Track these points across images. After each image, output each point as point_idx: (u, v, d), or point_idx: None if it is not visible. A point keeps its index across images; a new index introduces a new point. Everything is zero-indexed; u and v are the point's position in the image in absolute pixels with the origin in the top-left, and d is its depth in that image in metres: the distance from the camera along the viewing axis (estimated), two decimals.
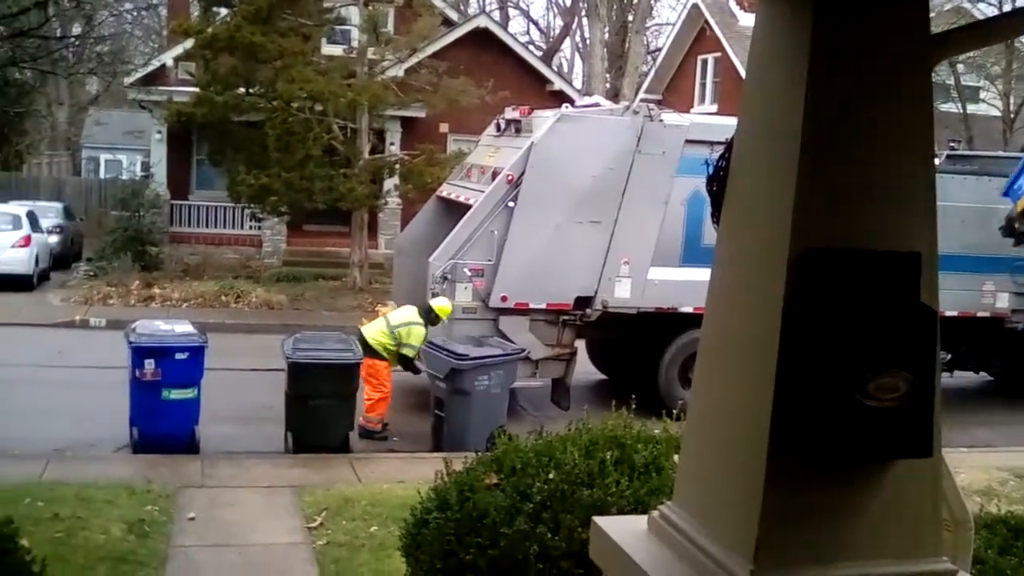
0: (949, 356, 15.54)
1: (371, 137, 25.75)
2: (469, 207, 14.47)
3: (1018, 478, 11.83)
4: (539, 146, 14.16)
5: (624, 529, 3.49)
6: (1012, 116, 33.83)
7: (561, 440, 6.58)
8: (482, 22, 32.10)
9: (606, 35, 43.06)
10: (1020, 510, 7.13)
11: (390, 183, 25.95)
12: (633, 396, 8.84)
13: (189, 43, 25.41)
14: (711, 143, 11.63)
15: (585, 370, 16.06)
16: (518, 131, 15.40)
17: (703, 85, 35.07)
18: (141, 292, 23.21)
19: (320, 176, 23.39)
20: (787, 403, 2.73)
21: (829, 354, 2.67)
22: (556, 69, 41.13)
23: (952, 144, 22.47)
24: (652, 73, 38.18)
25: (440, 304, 13.26)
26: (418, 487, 6.88)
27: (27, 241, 24.71)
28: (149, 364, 11.42)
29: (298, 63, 23.19)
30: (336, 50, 26.12)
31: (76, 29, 40.97)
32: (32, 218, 26.03)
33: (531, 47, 42.94)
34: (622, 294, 14.43)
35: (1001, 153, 24.31)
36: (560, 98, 26.74)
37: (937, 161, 14.38)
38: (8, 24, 27.56)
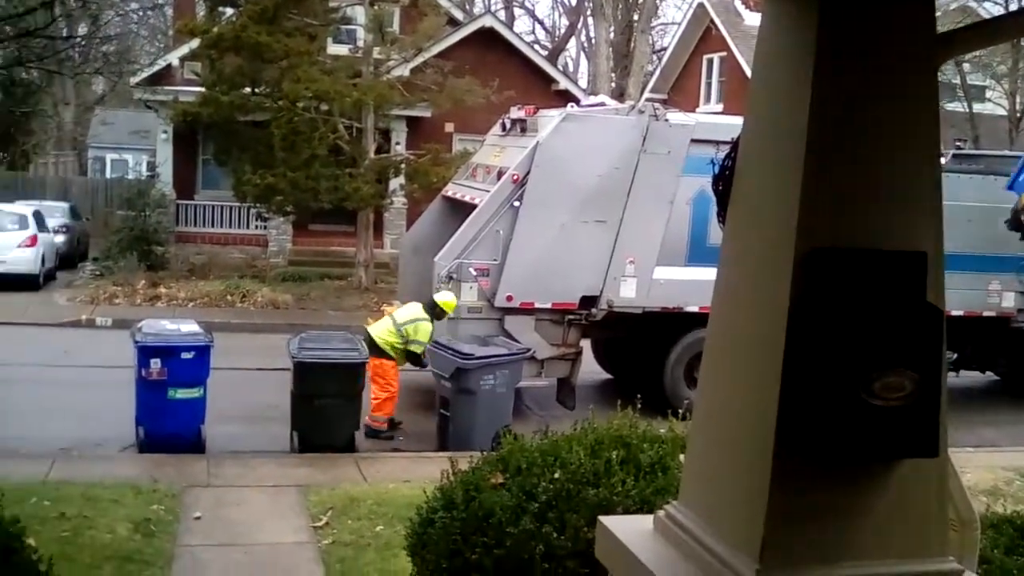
0: (955, 355, 15.52)
1: (377, 137, 25.76)
2: (474, 207, 14.47)
3: None
4: (544, 145, 14.16)
5: (630, 529, 3.49)
6: (1018, 115, 33.78)
7: (567, 440, 6.58)
8: (487, 22, 32.12)
9: (611, 34, 43.03)
10: None
11: (396, 183, 25.95)
12: (639, 396, 8.83)
13: (195, 43, 25.44)
14: (717, 142, 11.61)
15: (590, 370, 16.06)
16: (523, 131, 15.40)
17: (708, 84, 35.06)
18: (147, 292, 23.24)
19: (326, 176, 23.40)
20: (793, 403, 2.73)
21: (835, 353, 2.66)
22: (561, 69, 41.12)
23: (958, 143, 22.46)
24: (657, 72, 38.19)
25: (444, 298, 13.28)
26: (424, 486, 6.88)
27: (33, 241, 24.75)
28: (155, 363, 11.44)
29: (304, 63, 23.21)
30: (342, 50, 26.14)
31: (82, 29, 41.07)
32: (38, 218, 26.08)
33: (536, 47, 42.90)
34: (627, 293, 14.43)
35: (1007, 152, 24.27)
36: (565, 97, 26.74)
37: (943, 160, 14.43)
38: (14, 24, 27.56)
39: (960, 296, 14.76)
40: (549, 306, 14.29)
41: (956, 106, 31.84)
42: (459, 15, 32.85)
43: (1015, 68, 33.87)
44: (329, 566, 8.38)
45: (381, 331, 12.98)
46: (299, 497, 10.14)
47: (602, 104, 16.37)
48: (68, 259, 28.49)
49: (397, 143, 28.84)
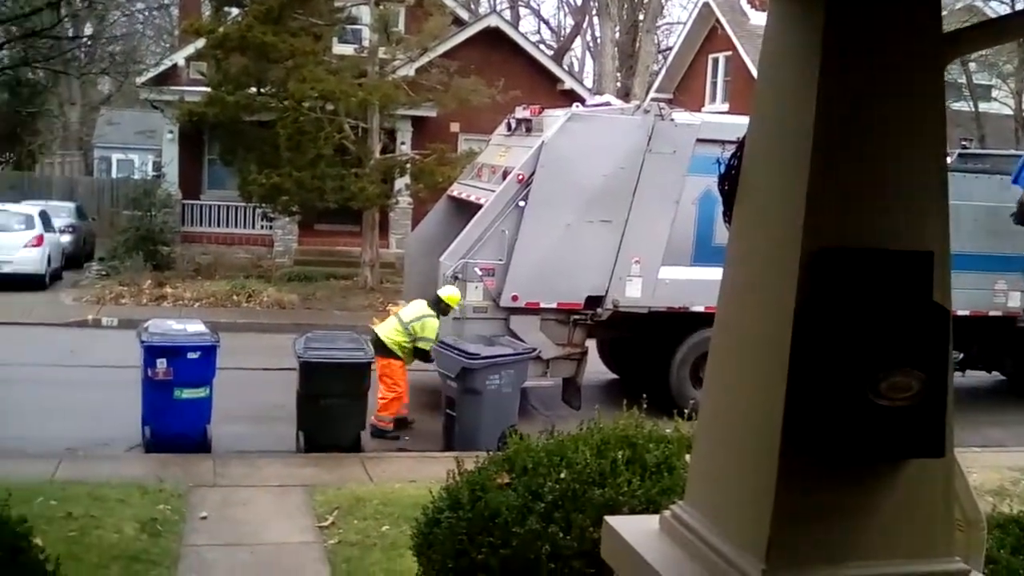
0: (961, 355, 15.51)
1: (382, 136, 25.77)
2: (480, 207, 14.47)
3: None
4: (550, 145, 14.15)
5: (636, 529, 3.49)
6: None
7: (573, 440, 6.58)
8: (493, 21, 32.12)
9: (617, 34, 43.02)
10: None
11: (401, 182, 25.96)
12: (644, 395, 8.83)
13: (201, 43, 25.45)
14: (722, 142, 11.63)
15: (596, 369, 16.05)
16: (529, 130, 15.40)
17: (714, 84, 35.05)
18: (153, 291, 23.28)
19: (331, 175, 23.42)
20: (799, 402, 2.73)
21: (841, 353, 2.66)
22: (567, 68, 41.15)
23: (964, 143, 22.44)
24: (663, 72, 38.17)
25: (448, 293, 13.30)
26: (430, 486, 6.89)
27: (39, 241, 24.80)
28: (161, 363, 11.45)
29: (309, 63, 23.23)
30: (347, 50, 26.16)
31: (88, 29, 41.16)
32: (44, 218, 26.13)
33: (542, 46, 42.92)
34: (633, 293, 14.42)
35: (1013, 151, 24.22)
36: (571, 97, 26.73)
37: (949, 160, 14.39)
38: (21, 24, 27.65)
39: (966, 296, 14.73)
40: (555, 306, 14.28)
41: (962, 105, 31.81)
42: (464, 15, 32.86)
43: (1021, 67, 33.83)
44: (335, 566, 8.38)
45: (388, 331, 13.00)
46: (305, 497, 10.15)
47: (607, 104, 16.38)
48: (74, 259, 28.54)
49: (402, 143, 28.85)
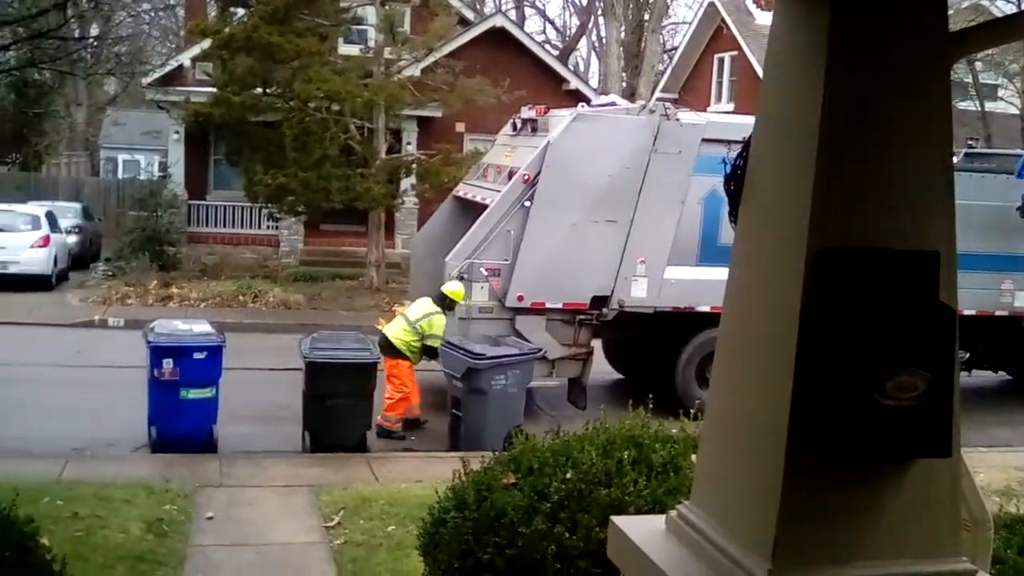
0: (967, 355, 15.47)
1: (388, 137, 25.78)
2: (485, 207, 14.46)
3: None
4: (555, 145, 14.15)
5: (642, 529, 3.50)
6: None
7: (578, 440, 6.58)
8: (498, 21, 32.11)
9: (622, 34, 43.03)
10: None
11: (407, 183, 25.97)
12: (650, 396, 8.81)
13: (206, 43, 25.51)
14: (728, 142, 11.56)
15: (602, 370, 16.05)
16: (534, 130, 15.39)
17: (720, 84, 35.00)
18: (159, 292, 23.30)
19: (337, 176, 23.43)
20: (805, 402, 2.73)
21: (847, 353, 2.66)
22: (572, 68, 41.13)
23: (970, 142, 22.37)
24: (668, 72, 38.13)
25: (451, 288, 13.31)
26: (436, 486, 6.88)
27: (46, 241, 24.83)
28: (167, 364, 11.46)
29: (315, 63, 23.24)
30: (353, 50, 26.15)
31: (94, 30, 41.24)
32: (51, 218, 26.16)
33: (547, 46, 42.91)
34: (639, 293, 14.41)
35: (1019, 151, 24.16)
36: (576, 97, 26.72)
37: (955, 159, 14.37)
38: (27, 25, 27.67)
39: (972, 295, 14.70)
40: (560, 306, 14.28)
41: (968, 105, 31.73)
42: (470, 15, 32.85)
43: None
44: (341, 566, 8.38)
45: (396, 331, 13.02)
46: (311, 497, 10.15)
47: (613, 104, 16.37)
48: (80, 259, 28.58)
49: (408, 143, 28.86)
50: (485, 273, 13.97)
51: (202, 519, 9.31)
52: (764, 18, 30.98)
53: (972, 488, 3.29)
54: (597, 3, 47.43)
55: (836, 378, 2.66)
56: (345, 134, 23.92)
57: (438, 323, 12.98)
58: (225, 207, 29.93)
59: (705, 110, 26.47)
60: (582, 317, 14.40)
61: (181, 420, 11.53)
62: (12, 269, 23.90)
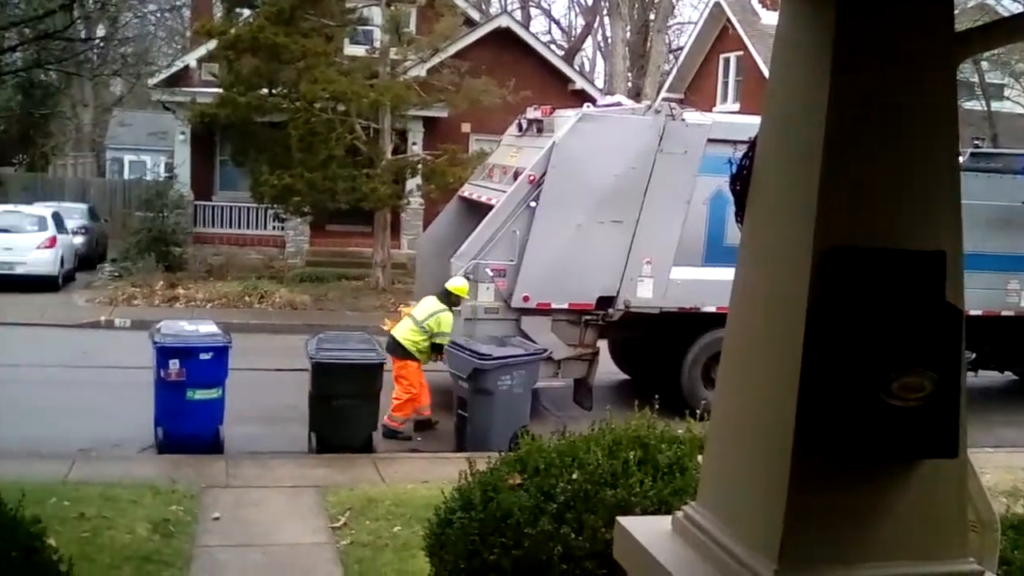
0: (974, 355, 15.45)
1: (393, 137, 25.79)
2: (491, 207, 14.46)
3: None
4: (561, 146, 14.14)
5: (648, 529, 3.49)
6: None
7: (584, 440, 6.57)
8: (504, 22, 32.12)
9: (628, 34, 42.98)
10: None
11: (412, 183, 25.98)
12: (656, 396, 8.82)
13: (212, 44, 25.52)
14: (733, 142, 11.62)
15: (607, 370, 16.04)
16: (540, 131, 15.39)
17: (725, 84, 34.97)
18: (165, 293, 23.33)
19: (343, 176, 23.45)
20: (812, 403, 2.72)
21: (853, 353, 2.66)
22: (578, 68, 41.12)
23: (976, 142, 22.37)
24: (674, 72, 38.11)
25: (455, 284, 13.32)
26: (442, 487, 6.88)
27: (52, 242, 24.89)
28: (174, 364, 11.47)
29: (321, 63, 23.26)
30: (358, 50, 26.19)
31: (100, 31, 41.33)
32: (57, 219, 26.23)
33: (553, 47, 42.93)
34: (644, 294, 14.40)
35: None
36: (582, 97, 26.71)
37: (961, 159, 14.34)
38: (34, 27, 27.77)
39: (979, 295, 14.67)
40: (566, 306, 14.28)
41: (974, 104, 31.69)
42: (475, 15, 32.88)
43: None
44: (347, 567, 8.39)
45: (405, 332, 13.03)
46: (317, 498, 10.16)
47: (618, 104, 16.36)
48: (87, 260, 28.63)
49: (414, 143, 28.89)
50: (491, 273, 13.97)
51: (208, 520, 9.32)
52: (770, 18, 30.96)
53: (979, 489, 3.29)
54: (603, 3, 47.41)
55: (842, 378, 2.66)
56: (351, 135, 23.94)
57: (446, 320, 12.99)
58: (231, 208, 29.95)
59: (711, 110, 26.46)
60: (588, 318, 14.39)
61: (187, 421, 11.54)
62: (19, 270, 23.96)
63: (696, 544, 3.22)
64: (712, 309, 13.91)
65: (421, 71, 25.81)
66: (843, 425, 2.67)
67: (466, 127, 29.18)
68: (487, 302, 14.01)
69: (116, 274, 26.25)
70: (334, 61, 24.05)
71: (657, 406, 7.76)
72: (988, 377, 17.12)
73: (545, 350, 13.52)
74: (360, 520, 9.40)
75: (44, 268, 24.43)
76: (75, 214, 29.58)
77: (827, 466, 2.75)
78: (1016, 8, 28.74)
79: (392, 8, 25.05)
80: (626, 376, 17.02)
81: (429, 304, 13.23)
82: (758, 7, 33.41)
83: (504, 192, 14.51)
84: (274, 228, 29.48)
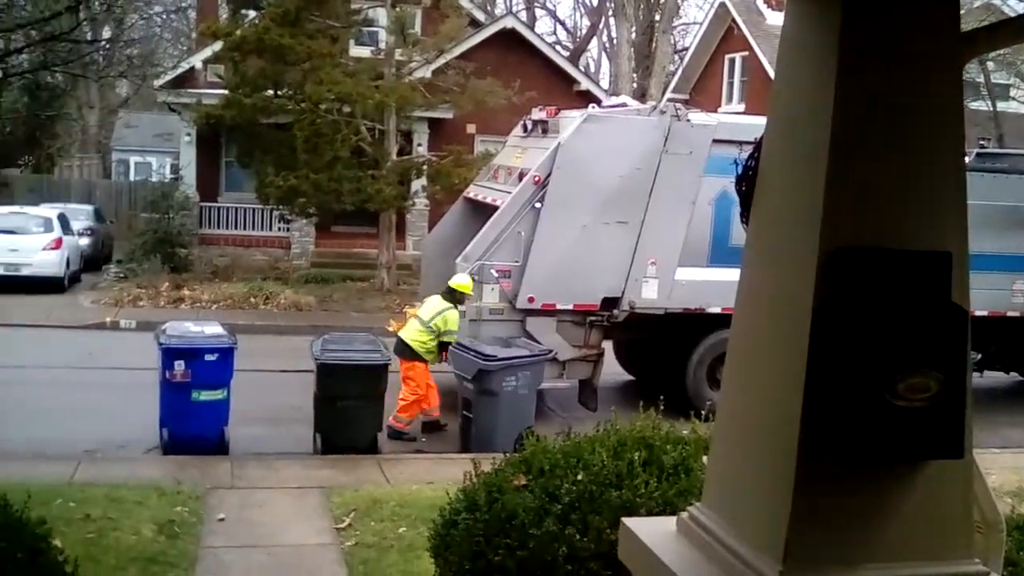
0: (979, 356, 15.42)
1: (399, 138, 25.81)
2: (496, 208, 14.46)
3: None
4: (566, 147, 14.14)
5: (653, 530, 3.49)
6: None
7: (589, 441, 6.57)
8: (509, 23, 32.11)
9: (633, 35, 43.01)
10: None
11: (418, 184, 26.00)
12: (661, 397, 8.80)
13: (218, 46, 25.57)
14: (739, 142, 11.50)
15: (612, 371, 16.03)
16: (545, 132, 15.39)
17: (731, 84, 34.94)
18: (171, 294, 23.36)
19: (348, 177, 23.46)
20: (817, 404, 2.72)
21: (859, 354, 2.65)
22: (583, 69, 41.12)
23: (982, 142, 22.29)
24: (679, 72, 38.09)
25: (459, 281, 13.32)
26: (447, 488, 6.88)
27: (58, 243, 24.91)
28: (179, 365, 11.48)
29: (326, 65, 23.28)
30: (364, 52, 26.20)
31: (106, 33, 41.38)
32: (63, 220, 26.25)
33: (558, 47, 42.94)
34: (649, 295, 14.38)
35: None
36: (587, 98, 26.71)
37: (967, 159, 14.32)
38: (40, 28, 27.81)
39: (984, 296, 14.64)
40: (571, 307, 14.27)
41: (980, 104, 31.62)
42: (480, 16, 32.89)
43: None
44: (352, 568, 8.39)
45: (413, 333, 13.03)
46: (322, 499, 10.16)
47: (623, 105, 16.34)
48: (92, 261, 28.66)
49: (419, 144, 28.90)
50: (496, 274, 13.96)
51: (213, 521, 9.32)
52: (775, 18, 30.94)
53: (984, 490, 3.28)
54: (608, 4, 47.46)
55: (848, 379, 2.65)
56: (356, 136, 23.95)
57: (452, 318, 13.01)
58: (236, 209, 29.97)
59: (716, 111, 26.42)
60: (593, 318, 14.38)
61: (193, 422, 11.55)
62: (25, 271, 24.00)
63: (701, 545, 3.22)
64: (717, 310, 13.90)
65: (426, 72, 25.82)
66: (849, 426, 2.67)
67: (471, 128, 29.19)
68: (492, 303, 14.00)
69: (122, 275, 26.29)
70: (339, 62, 24.06)
71: (662, 407, 7.74)
72: (993, 378, 17.10)
73: (550, 351, 13.51)
74: (365, 521, 9.40)
75: (50, 269, 24.47)
76: (81, 215, 29.62)
77: (832, 467, 2.75)
78: (1022, 8, 28.69)
79: (397, 9, 25.06)
80: (631, 377, 17.01)
81: (434, 303, 13.24)
82: (763, 7, 33.38)
83: (509, 193, 14.51)
84: (279, 229, 29.50)
